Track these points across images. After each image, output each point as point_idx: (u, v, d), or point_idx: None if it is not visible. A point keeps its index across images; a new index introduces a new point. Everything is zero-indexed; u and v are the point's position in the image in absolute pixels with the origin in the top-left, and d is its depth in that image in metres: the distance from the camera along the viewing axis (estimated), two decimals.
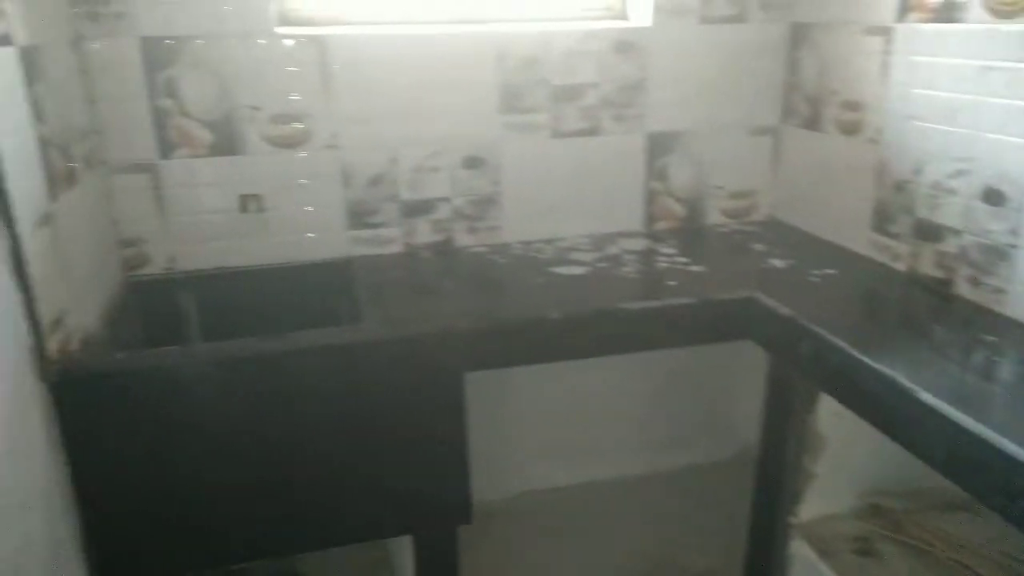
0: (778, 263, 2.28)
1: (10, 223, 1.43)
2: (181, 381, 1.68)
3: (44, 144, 1.63)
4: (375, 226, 2.39)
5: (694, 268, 2.25)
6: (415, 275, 2.28)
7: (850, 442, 1.98)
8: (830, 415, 1.96)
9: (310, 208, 2.31)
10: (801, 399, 2.00)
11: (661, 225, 2.65)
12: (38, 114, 1.61)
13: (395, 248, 2.42)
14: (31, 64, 1.61)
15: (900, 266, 2.15)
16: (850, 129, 2.30)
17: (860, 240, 2.30)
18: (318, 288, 2.30)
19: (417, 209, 2.41)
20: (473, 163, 2.43)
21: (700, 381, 2.91)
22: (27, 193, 1.51)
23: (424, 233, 2.44)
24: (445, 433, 1.86)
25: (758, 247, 2.45)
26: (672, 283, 2.14)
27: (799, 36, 2.51)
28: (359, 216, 2.36)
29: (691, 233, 2.62)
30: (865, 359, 1.61)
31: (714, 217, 2.70)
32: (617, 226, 2.60)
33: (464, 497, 1.92)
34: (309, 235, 2.33)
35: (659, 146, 2.56)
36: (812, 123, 2.48)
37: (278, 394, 1.73)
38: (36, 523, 1.43)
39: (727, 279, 2.16)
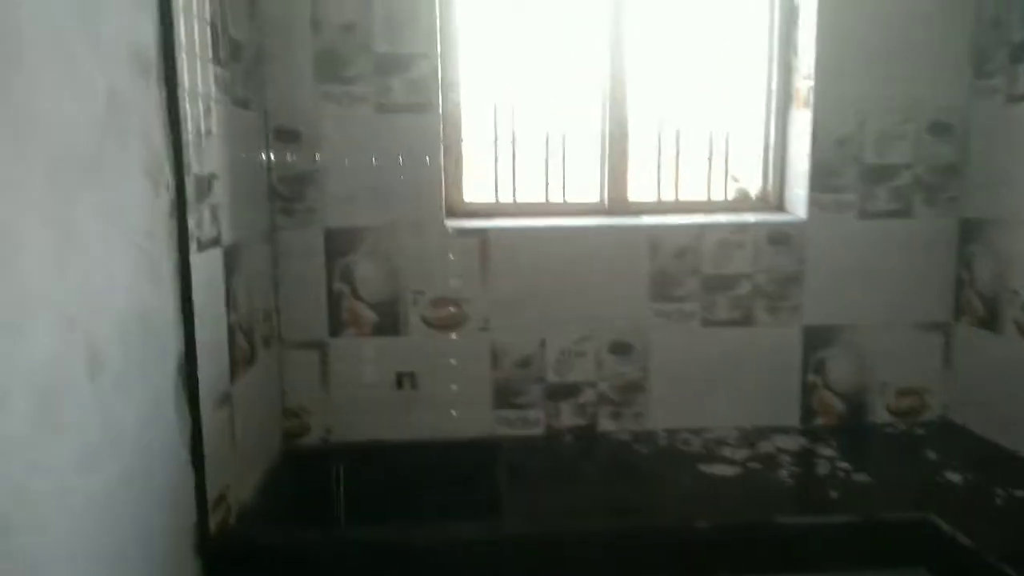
0: (955, 477, 2.06)
1: (195, 407, 1.57)
2: (325, 563, 1.72)
3: (232, 330, 1.81)
4: (520, 407, 2.42)
5: (858, 477, 2.08)
6: (556, 461, 2.25)
7: None
8: None
9: (459, 387, 2.39)
10: None
11: (819, 421, 2.50)
12: (231, 303, 1.81)
13: (538, 430, 2.43)
14: (232, 259, 1.83)
15: None
16: None
17: None
18: (462, 468, 2.32)
19: (562, 392, 2.43)
20: (620, 348, 2.44)
21: None
22: (212, 377, 1.67)
23: (568, 416, 2.44)
24: None
25: (930, 454, 2.24)
26: (834, 494, 1.98)
27: (970, 232, 2.40)
28: (505, 396, 2.41)
29: (853, 432, 2.44)
30: None
31: (879, 415, 2.52)
32: (770, 419, 2.48)
33: None
34: (457, 413, 2.39)
35: (817, 339, 2.47)
36: (989, 322, 2.31)
37: None
38: None
39: (896, 494, 1.97)
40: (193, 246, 1.57)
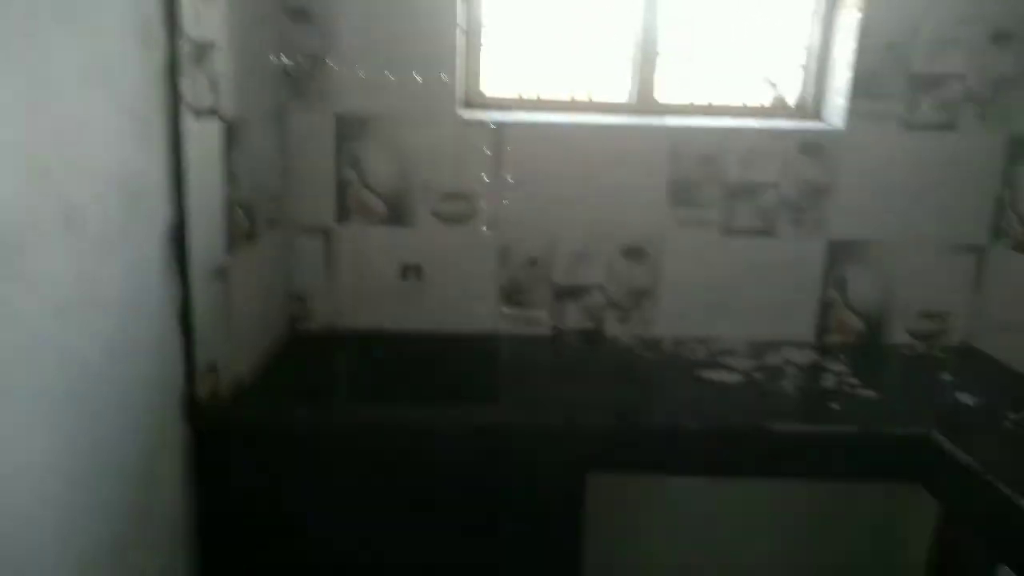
0: (967, 399, 1.99)
1: (184, 275, 1.57)
2: (318, 441, 1.75)
3: (231, 205, 1.80)
4: (526, 305, 2.39)
5: (865, 392, 2.02)
6: (558, 360, 2.24)
7: None
8: None
9: (466, 282, 2.36)
10: (975, 566, 1.70)
11: (834, 338, 2.43)
12: (230, 178, 1.79)
13: (542, 330, 2.41)
14: (232, 135, 1.79)
15: None
16: None
17: None
18: (463, 360, 2.32)
19: (570, 294, 2.39)
20: (633, 254, 2.37)
21: (856, 521, 2.54)
22: (205, 248, 1.66)
23: (574, 318, 2.41)
24: (561, 531, 1.79)
25: (945, 377, 2.16)
26: (835, 406, 1.93)
27: (1019, 150, 2.24)
28: (511, 295, 2.38)
29: (868, 352, 2.37)
30: None
31: (899, 336, 2.43)
32: (783, 334, 2.41)
33: None
34: (461, 308, 2.38)
35: (841, 254, 2.37)
36: None
37: (407, 463, 1.76)
38: (159, 557, 1.53)
39: (901, 410, 1.91)
40: (186, 112, 1.54)
